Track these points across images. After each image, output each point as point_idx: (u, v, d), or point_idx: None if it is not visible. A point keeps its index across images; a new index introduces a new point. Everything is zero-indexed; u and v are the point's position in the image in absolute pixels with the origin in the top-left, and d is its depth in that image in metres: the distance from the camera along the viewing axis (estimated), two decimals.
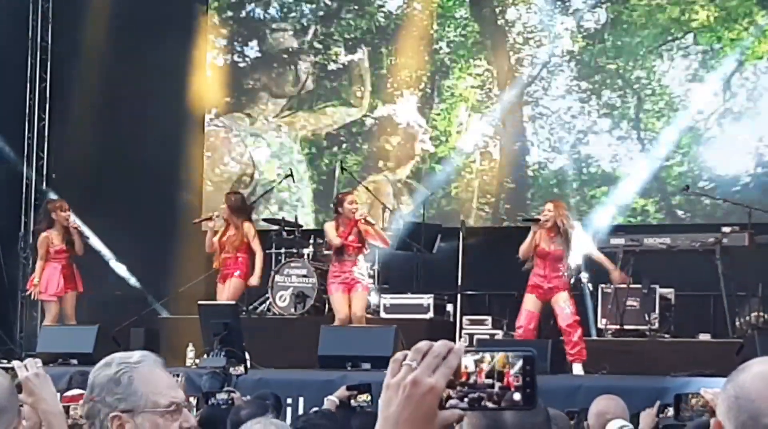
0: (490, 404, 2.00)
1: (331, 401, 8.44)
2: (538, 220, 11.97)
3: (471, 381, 2.01)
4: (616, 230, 13.57)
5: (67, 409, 4.89)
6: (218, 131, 17.19)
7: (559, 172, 15.70)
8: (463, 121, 16.10)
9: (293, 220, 15.04)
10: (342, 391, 8.62)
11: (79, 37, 16.74)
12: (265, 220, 15.18)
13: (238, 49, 17.31)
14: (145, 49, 15.99)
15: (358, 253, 12.67)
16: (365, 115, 16.57)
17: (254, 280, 13.23)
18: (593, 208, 15.31)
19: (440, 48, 16.39)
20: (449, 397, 2.01)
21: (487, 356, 2.01)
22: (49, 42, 16.97)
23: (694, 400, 5.52)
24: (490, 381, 2.00)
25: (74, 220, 13.60)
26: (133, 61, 16.16)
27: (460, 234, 13.90)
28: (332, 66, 16.82)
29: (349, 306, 12.54)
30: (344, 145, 16.65)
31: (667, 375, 10.53)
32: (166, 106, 16.49)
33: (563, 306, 11.80)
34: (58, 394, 7.04)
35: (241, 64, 17.31)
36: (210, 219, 13.45)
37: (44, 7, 16.97)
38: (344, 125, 16.67)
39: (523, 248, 11.93)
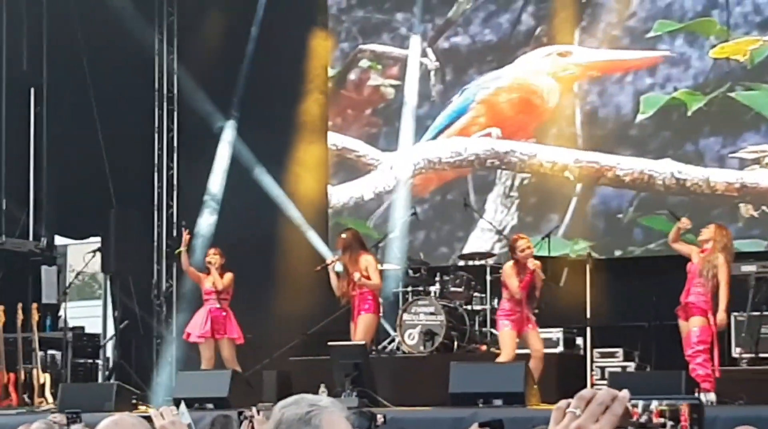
0: None
1: None
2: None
3: (643, 420, 2.02)
4: (746, 256, 13.29)
5: None
6: None
7: None
8: None
9: (419, 257, 15.05)
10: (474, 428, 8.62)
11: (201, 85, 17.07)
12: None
13: None
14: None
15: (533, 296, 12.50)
16: None
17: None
18: None
19: None
20: None
21: (655, 402, 2.02)
22: (176, 93, 17.34)
23: None
24: (662, 420, 2.01)
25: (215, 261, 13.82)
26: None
27: (587, 266, 13.77)
28: None
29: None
30: None
31: None
32: None
33: (692, 333, 11.57)
34: None
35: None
36: (331, 263, 13.47)
37: (169, 58, 17.35)
38: None
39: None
